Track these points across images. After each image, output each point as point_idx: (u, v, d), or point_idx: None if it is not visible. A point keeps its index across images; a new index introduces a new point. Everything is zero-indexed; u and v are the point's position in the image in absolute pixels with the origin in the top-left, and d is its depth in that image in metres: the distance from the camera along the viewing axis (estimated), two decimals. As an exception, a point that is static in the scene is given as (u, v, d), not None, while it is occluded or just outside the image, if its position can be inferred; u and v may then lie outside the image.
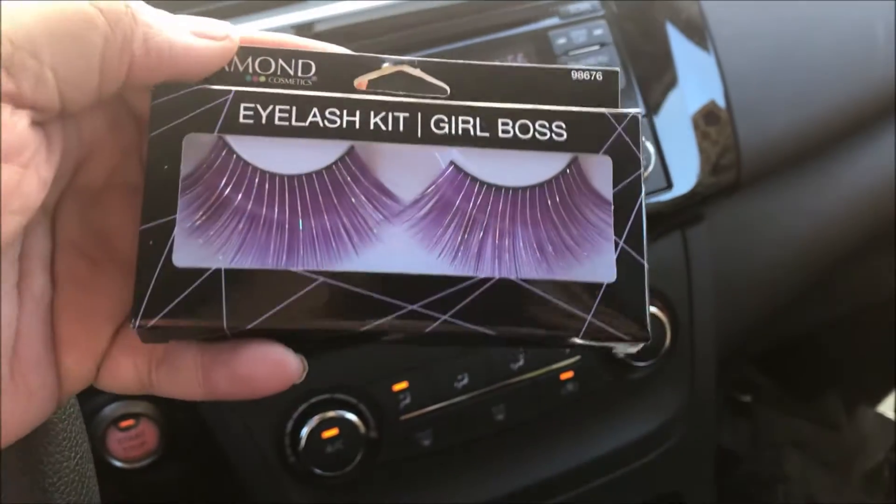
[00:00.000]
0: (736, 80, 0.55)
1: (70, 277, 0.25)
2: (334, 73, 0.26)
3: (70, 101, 0.22)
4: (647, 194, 0.49)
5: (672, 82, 0.54)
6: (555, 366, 0.55)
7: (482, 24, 0.51)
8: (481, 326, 0.24)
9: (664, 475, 0.62)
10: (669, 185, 0.54)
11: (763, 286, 0.66)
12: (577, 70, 0.27)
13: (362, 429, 0.52)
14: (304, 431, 0.50)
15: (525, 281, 0.24)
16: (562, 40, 0.52)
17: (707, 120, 0.54)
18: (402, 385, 0.53)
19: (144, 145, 0.25)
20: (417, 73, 0.27)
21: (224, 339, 0.24)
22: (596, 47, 0.53)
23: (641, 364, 0.57)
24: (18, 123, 0.21)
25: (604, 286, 0.24)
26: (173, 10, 0.25)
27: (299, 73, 0.26)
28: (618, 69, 0.27)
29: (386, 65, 0.26)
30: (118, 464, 0.50)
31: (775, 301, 0.69)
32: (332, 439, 0.51)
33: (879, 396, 0.97)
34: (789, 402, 0.97)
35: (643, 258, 0.25)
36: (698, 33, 0.55)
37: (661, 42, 0.55)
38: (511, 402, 0.55)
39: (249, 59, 0.26)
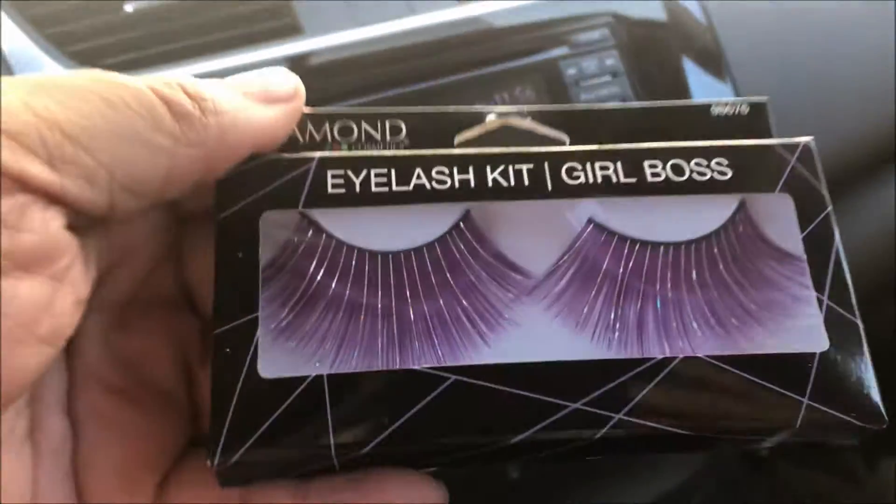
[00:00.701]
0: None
1: (95, 419, 0.19)
2: (429, 132, 0.22)
3: (121, 207, 0.17)
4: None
5: (689, 113, 0.52)
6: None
7: (490, 54, 0.49)
8: (668, 425, 0.18)
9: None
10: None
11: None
12: (718, 105, 0.23)
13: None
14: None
15: (713, 358, 0.19)
16: (572, 70, 0.50)
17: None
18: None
19: (214, 229, 0.19)
20: (528, 123, 0.22)
21: (329, 470, 0.19)
22: (608, 77, 0.50)
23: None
24: (51, 224, 0.16)
25: (817, 357, 0.19)
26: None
27: (388, 137, 0.21)
28: (766, 99, 0.22)
29: (490, 117, 0.22)
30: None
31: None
32: None
33: (902, 447, 0.94)
34: (809, 455, 0.94)
35: (855, 316, 0.20)
36: (714, 63, 0.53)
37: (676, 72, 0.52)
38: (526, 460, 0.51)
39: (326, 125, 0.21)
